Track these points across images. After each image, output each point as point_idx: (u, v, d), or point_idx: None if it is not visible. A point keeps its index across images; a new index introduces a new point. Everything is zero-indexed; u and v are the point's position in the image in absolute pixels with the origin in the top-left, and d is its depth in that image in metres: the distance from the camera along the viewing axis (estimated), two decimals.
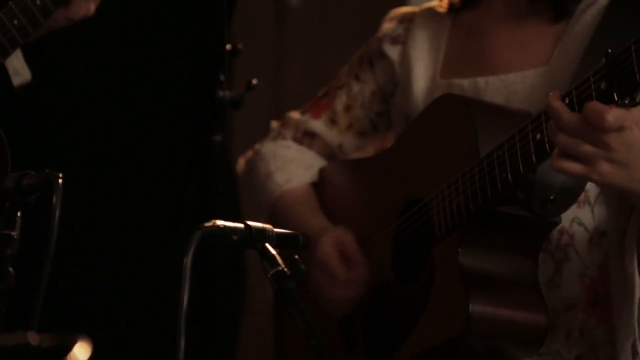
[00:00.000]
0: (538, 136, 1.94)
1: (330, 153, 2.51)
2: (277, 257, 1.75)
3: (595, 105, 1.81)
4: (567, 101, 1.88)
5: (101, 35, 3.26)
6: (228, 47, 2.58)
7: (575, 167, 1.86)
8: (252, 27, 4.53)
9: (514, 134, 1.98)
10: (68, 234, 1.85)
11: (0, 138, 2.47)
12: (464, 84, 2.27)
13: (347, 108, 2.48)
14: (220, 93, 2.55)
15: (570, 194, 2.05)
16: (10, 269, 1.69)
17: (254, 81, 2.55)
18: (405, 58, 2.39)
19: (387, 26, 2.46)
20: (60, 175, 1.70)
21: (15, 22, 2.52)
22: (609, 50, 1.81)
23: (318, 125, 2.50)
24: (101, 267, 3.52)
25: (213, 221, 1.75)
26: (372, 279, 2.31)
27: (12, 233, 1.69)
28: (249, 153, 2.57)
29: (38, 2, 2.54)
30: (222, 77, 2.56)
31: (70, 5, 2.59)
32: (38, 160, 3.40)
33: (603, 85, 1.82)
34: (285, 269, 1.74)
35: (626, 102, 1.80)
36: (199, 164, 2.61)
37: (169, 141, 3.61)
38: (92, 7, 2.62)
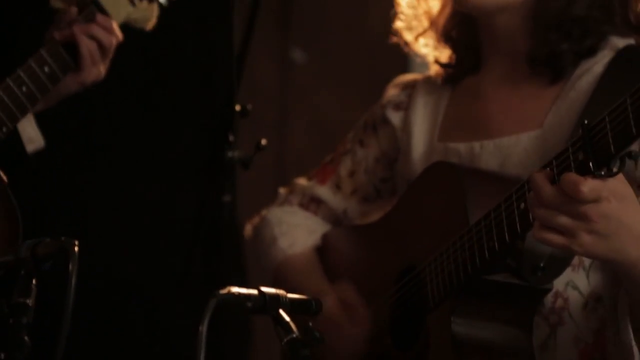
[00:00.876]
0: (522, 205, 1.95)
1: (335, 219, 2.55)
2: (292, 324, 1.76)
3: (571, 177, 1.82)
4: (547, 171, 1.89)
5: (111, 97, 3.29)
6: (237, 107, 2.61)
7: (556, 238, 1.86)
8: (257, 84, 4.54)
9: (500, 203, 2.00)
10: (79, 301, 1.84)
11: (11, 202, 2.48)
12: (460, 148, 2.30)
13: (351, 173, 2.52)
14: (230, 153, 2.57)
15: (560, 262, 2.07)
16: (26, 338, 1.68)
17: (263, 141, 2.58)
18: (406, 124, 2.43)
19: (391, 92, 2.51)
20: (76, 242, 1.71)
21: (24, 89, 2.55)
22: (585, 121, 1.83)
23: (324, 191, 2.53)
24: (111, 327, 3.52)
25: (228, 288, 1.76)
26: (371, 344, 2.33)
27: (28, 301, 1.69)
28: (256, 219, 2.60)
29: (46, 69, 2.57)
30: (231, 138, 2.58)
31: (80, 71, 2.61)
32: (48, 224, 3.41)
33: (580, 156, 1.83)
34: (300, 336, 1.75)
35: (602, 173, 1.81)
36: (207, 224, 2.62)
37: (178, 201, 3.62)
38: (103, 71, 2.65)
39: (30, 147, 2.68)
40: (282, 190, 2.61)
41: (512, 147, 2.25)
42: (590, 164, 1.81)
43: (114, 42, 2.65)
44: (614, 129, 1.79)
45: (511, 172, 2.21)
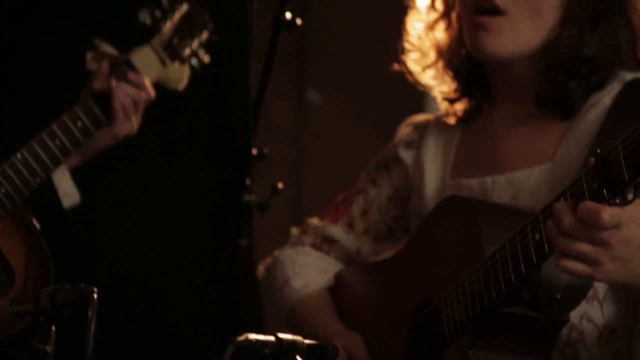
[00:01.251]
0: (537, 236, 1.96)
1: (348, 258, 2.56)
2: None
3: (589, 205, 1.85)
4: (569, 201, 1.90)
5: (128, 140, 3.32)
6: (254, 151, 2.62)
7: (579, 267, 1.88)
8: (273, 125, 4.56)
9: (514, 235, 2.01)
10: (99, 342, 1.86)
11: (44, 250, 2.53)
12: (472, 184, 2.33)
13: (364, 212, 2.54)
14: (247, 197, 2.58)
15: (577, 293, 2.07)
16: None
17: (280, 185, 2.58)
18: (418, 162, 2.45)
19: (403, 132, 2.53)
20: (95, 289, 1.72)
21: (57, 142, 2.61)
22: (598, 151, 1.85)
23: (336, 230, 2.55)
24: None
25: (245, 335, 1.77)
26: None
27: (47, 348, 1.71)
28: (268, 260, 2.61)
29: (79, 124, 2.65)
30: (248, 182, 2.58)
31: (113, 125, 2.68)
32: (75, 271, 3.44)
33: (595, 185, 1.85)
34: None
35: (617, 201, 1.83)
36: (224, 268, 2.62)
37: (195, 246, 3.63)
38: (135, 125, 2.73)
39: (66, 202, 2.74)
40: (294, 231, 2.63)
41: (523, 180, 2.27)
42: (605, 193, 1.83)
43: (146, 98, 2.72)
44: (626, 157, 1.81)
45: (523, 205, 2.23)
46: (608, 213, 1.83)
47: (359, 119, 4.77)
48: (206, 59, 2.91)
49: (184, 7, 2.88)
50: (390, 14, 2.52)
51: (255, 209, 2.58)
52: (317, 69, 4.83)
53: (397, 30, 2.53)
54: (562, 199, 1.91)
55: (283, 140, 4.70)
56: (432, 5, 2.43)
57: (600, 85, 2.28)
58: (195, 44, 2.88)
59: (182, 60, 2.86)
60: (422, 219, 2.39)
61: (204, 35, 2.91)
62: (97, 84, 2.72)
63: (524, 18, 2.27)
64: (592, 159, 1.86)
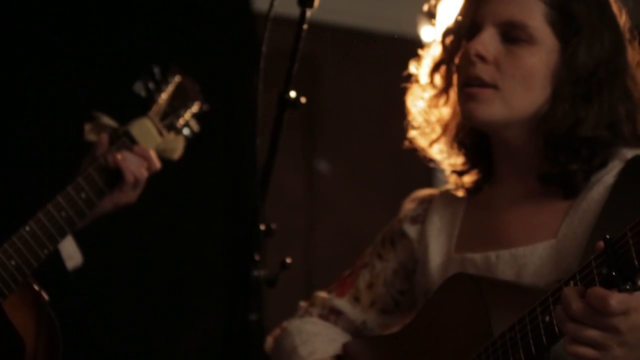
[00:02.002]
0: (547, 318, 1.98)
1: (355, 330, 2.59)
2: None
3: (598, 291, 1.87)
4: (571, 284, 1.93)
5: (139, 213, 3.35)
6: (262, 227, 2.65)
7: (588, 352, 1.90)
8: (284, 196, 4.58)
9: (524, 316, 2.03)
10: None
11: (53, 323, 2.56)
12: (476, 259, 2.36)
13: (370, 286, 2.58)
14: (255, 272, 2.60)
15: None
16: None
17: (288, 260, 2.61)
18: (423, 236, 2.49)
19: (408, 207, 2.58)
20: None
21: (63, 214, 2.66)
22: (607, 236, 1.87)
23: (342, 303, 2.59)
24: None
25: None
26: None
27: None
28: (276, 331, 2.65)
29: (83, 195, 2.69)
30: (256, 257, 2.60)
31: (117, 193, 2.73)
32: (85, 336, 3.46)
33: (604, 270, 1.87)
34: None
35: (627, 287, 1.85)
36: (234, 344, 2.64)
37: (205, 321, 3.65)
38: (137, 195, 2.76)
39: (70, 264, 2.78)
40: (302, 304, 2.67)
41: (527, 256, 2.29)
42: (615, 278, 1.85)
43: (152, 170, 2.78)
44: (637, 243, 1.83)
45: (527, 281, 2.26)
46: (616, 299, 1.85)
47: (369, 188, 4.79)
48: (196, 128, 2.98)
49: (176, 79, 2.96)
50: (398, 86, 2.57)
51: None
52: (326, 140, 4.86)
53: (404, 102, 2.57)
54: (571, 283, 1.94)
55: (294, 209, 4.72)
56: (432, 82, 2.48)
57: (602, 166, 2.31)
58: (187, 115, 2.96)
59: (178, 131, 2.93)
60: (427, 292, 2.42)
61: (196, 106, 2.98)
62: (100, 156, 2.78)
63: (513, 91, 2.31)
64: (601, 243, 1.89)
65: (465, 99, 2.34)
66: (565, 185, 2.31)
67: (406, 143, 2.54)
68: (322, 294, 2.64)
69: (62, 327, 2.60)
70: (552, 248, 2.28)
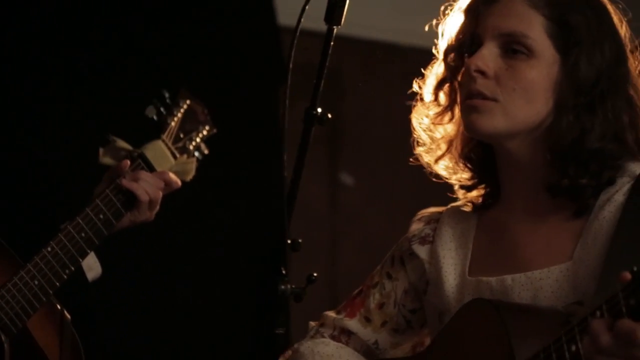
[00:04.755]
0: (573, 348, 1.99)
1: (367, 350, 2.58)
2: None
3: (626, 323, 1.87)
4: (597, 315, 1.93)
5: (164, 230, 3.38)
6: (288, 241, 2.66)
7: None
8: (308, 209, 4.59)
9: (549, 345, 2.03)
10: None
11: (75, 338, 2.59)
12: (492, 282, 2.35)
13: (381, 306, 2.57)
14: (282, 287, 2.60)
15: None
16: None
17: (315, 274, 2.61)
18: (434, 257, 2.49)
19: (415, 227, 2.57)
20: None
21: (83, 234, 2.72)
22: (635, 268, 1.87)
23: (353, 324, 2.58)
24: None
25: None
26: None
27: None
28: (288, 352, 2.63)
29: (102, 216, 2.75)
30: (283, 271, 2.61)
31: (135, 211, 2.78)
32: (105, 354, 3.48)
33: (632, 302, 1.87)
34: None
35: None
36: (261, 356, 2.65)
37: (233, 337, 3.65)
38: (153, 214, 2.81)
39: (90, 275, 2.83)
40: (313, 323, 2.66)
41: (543, 279, 2.29)
42: None
43: (172, 189, 2.82)
44: None
45: (544, 304, 2.26)
46: None
47: (392, 201, 4.79)
48: (206, 151, 3.03)
49: (186, 104, 3.00)
50: (422, 100, 2.58)
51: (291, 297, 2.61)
52: (350, 153, 4.87)
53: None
54: (597, 313, 1.94)
55: (319, 222, 4.73)
56: (436, 100, 2.48)
57: (610, 182, 2.31)
58: (198, 138, 3.01)
59: (190, 154, 2.98)
60: (441, 313, 2.42)
61: (206, 129, 3.02)
62: (118, 178, 2.83)
63: (514, 104, 2.32)
64: (627, 274, 1.88)
65: (467, 111, 2.35)
66: (575, 200, 2.31)
67: (412, 160, 2.54)
68: (332, 314, 2.64)
69: (84, 346, 2.63)
70: (568, 270, 2.28)
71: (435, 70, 2.48)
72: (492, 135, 2.35)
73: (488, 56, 2.32)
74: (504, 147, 2.38)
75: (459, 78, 2.41)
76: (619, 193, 2.30)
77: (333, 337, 2.60)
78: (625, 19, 2.41)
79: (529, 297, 2.29)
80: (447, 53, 2.44)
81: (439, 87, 2.47)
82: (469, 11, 2.40)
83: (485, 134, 2.35)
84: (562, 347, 2.01)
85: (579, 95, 2.31)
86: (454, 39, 2.42)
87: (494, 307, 2.21)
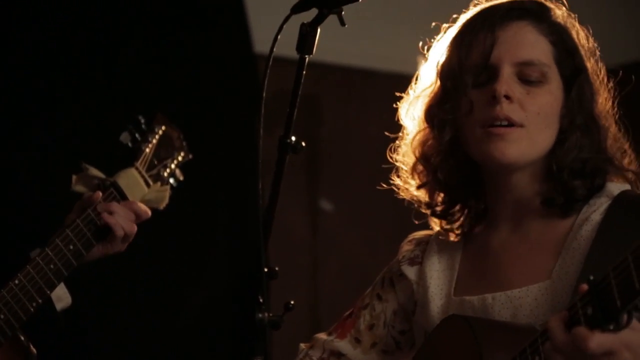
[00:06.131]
0: (536, 358, 2.03)
1: None
2: None
3: (580, 331, 1.91)
4: (563, 315, 1.97)
5: (141, 259, 3.37)
6: (265, 269, 2.65)
7: None
8: (289, 235, 4.59)
9: (515, 356, 2.07)
10: None
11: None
12: (474, 301, 2.38)
13: (371, 327, 2.60)
14: (260, 315, 2.60)
15: None
16: None
17: (292, 302, 2.61)
18: (422, 277, 2.52)
19: (405, 249, 2.60)
20: None
21: (52, 266, 2.70)
22: (591, 277, 1.91)
23: (343, 345, 2.60)
24: None
25: None
26: None
27: None
28: None
29: (71, 247, 2.72)
30: (260, 300, 2.60)
31: (107, 244, 2.76)
32: None
33: (589, 311, 1.91)
34: None
35: (611, 327, 1.88)
36: None
37: None
38: (125, 246, 2.80)
39: (59, 306, 2.80)
40: (302, 346, 2.68)
41: (522, 298, 2.32)
42: (599, 319, 1.89)
43: (141, 220, 2.80)
44: (618, 284, 1.86)
45: (523, 321, 2.29)
46: (595, 341, 1.89)
47: (373, 227, 4.79)
48: (181, 177, 3.01)
49: (161, 130, 2.98)
50: (399, 124, 2.58)
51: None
52: (329, 179, 4.87)
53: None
54: (563, 313, 1.96)
55: (298, 250, 4.73)
56: (428, 121, 2.48)
57: (600, 187, 2.36)
58: (173, 165, 2.99)
59: (164, 181, 2.96)
60: (427, 333, 2.45)
61: (181, 155, 3.01)
62: (91, 210, 2.81)
63: (538, 129, 2.35)
64: (585, 285, 1.92)
65: (492, 140, 2.35)
66: (567, 201, 2.35)
67: (383, 185, 2.55)
68: (322, 336, 2.66)
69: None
70: (547, 289, 2.31)
71: (423, 93, 2.48)
72: (517, 163, 2.37)
73: (510, 82, 2.35)
74: (511, 176, 2.40)
75: (471, 100, 2.38)
76: (596, 212, 2.33)
77: None
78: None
79: (509, 315, 2.32)
80: (447, 77, 2.43)
81: (432, 107, 2.46)
82: (476, 36, 2.40)
83: (511, 162, 2.36)
84: (527, 358, 2.05)
85: (582, 116, 2.38)
86: (457, 64, 2.42)
87: (467, 323, 2.24)
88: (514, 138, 2.34)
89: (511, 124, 2.33)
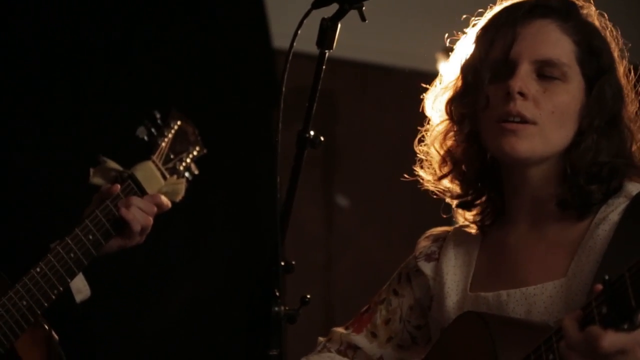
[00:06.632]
0: (550, 356, 2.04)
1: None
2: None
3: (593, 330, 1.93)
4: (578, 315, 1.99)
5: (158, 253, 3.38)
6: (282, 263, 2.66)
7: None
8: (304, 230, 4.60)
9: (529, 354, 2.08)
10: None
11: (56, 348, 2.61)
12: (489, 297, 2.40)
13: (387, 321, 2.61)
14: (275, 308, 2.61)
15: None
16: None
17: (308, 296, 2.62)
18: (438, 273, 2.53)
19: (422, 245, 2.62)
20: None
21: (72, 255, 2.73)
22: (606, 277, 1.92)
23: (360, 339, 2.62)
24: None
25: None
26: None
27: None
28: None
29: (91, 237, 2.75)
30: (277, 293, 2.61)
31: (124, 237, 2.79)
32: None
33: (604, 310, 1.93)
34: None
35: (625, 327, 1.90)
36: None
37: (226, 357, 3.65)
38: (143, 239, 2.82)
39: (78, 297, 2.83)
40: (321, 339, 2.70)
41: (537, 295, 2.34)
42: (613, 318, 1.91)
43: (161, 211, 2.83)
44: (633, 284, 1.88)
45: (537, 318, 2.30)
46: (608, 340, 1.91)
47: (387, 223, 4.80)
48: (196, 171, 3.04)
49: (177, 124, 3.01)
50: (416, 121, 2.59)
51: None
52: (345, 175, 4.88)
53: (422, 136, 2.59)
54: (578, 313, 1.99)
55: (314, 244, 4.74)
56: (449, 116, 2.50)
57: (617, 190, 2.36)
58: (188, 159, 3.02)
59: (180, 175, 2.99)
60: (443, 329, 2.46)
61: (196, 150, 3.04)
62: (109, 202, 2.84)
63: (551, 127, 2.36)
64: (600, 285, 1.94)
65: (504, 134, 2.36)
66: (582, 203, 2.35)
67: (406, 176, 2.56)
68: (340, 330, 2.68)
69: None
70: (562, 287, 2.32)
71: (447, 86, 2.50)
72: (528, 160, 2.38)
73: (527, 78, 2.35)
74: (526, 172, 2.41)
75: (487, 95, 2.40)
76: (614, 212, 2.34)
77: (339, 352, 2.64)
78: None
79: (523, 312, 2.33)
80: (467, 70, 2.45)
81: (452, 102, 2.48)
82: (498, 32, 2.42)
83: (522, 158, 2.37)
84: (541, 356, 2.06)
85: (601, 118, 2.37)
86: (478, 58, 2.43)
87: (482, 320, 2.26)
88: (526, 134, 2.34)
89: (524, 120, 2.34)
